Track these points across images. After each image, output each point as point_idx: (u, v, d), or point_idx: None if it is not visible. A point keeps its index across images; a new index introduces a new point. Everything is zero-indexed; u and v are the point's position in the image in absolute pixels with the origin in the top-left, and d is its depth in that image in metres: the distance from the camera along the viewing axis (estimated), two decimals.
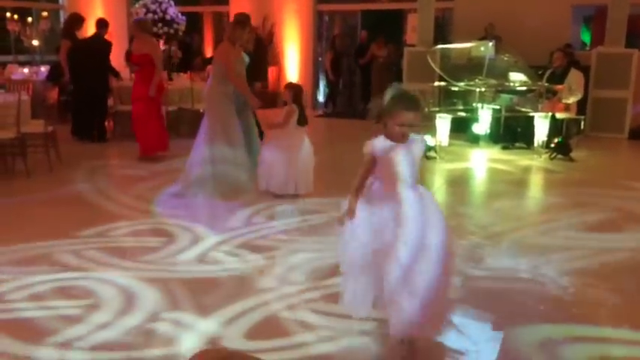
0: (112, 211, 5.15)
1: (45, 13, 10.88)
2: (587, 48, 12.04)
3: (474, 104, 8.05)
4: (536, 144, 7.59)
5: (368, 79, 11.98)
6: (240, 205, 5.24)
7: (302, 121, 5.53)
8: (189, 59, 14.23)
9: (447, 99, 8.16)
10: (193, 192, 5.49)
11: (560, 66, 7.97)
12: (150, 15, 8.96)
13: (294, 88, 5.62)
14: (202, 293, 3.48)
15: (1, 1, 11.97)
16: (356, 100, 12.38)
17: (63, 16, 13.52)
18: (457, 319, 3.11)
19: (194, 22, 15.35)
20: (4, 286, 3.54)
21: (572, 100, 7.89)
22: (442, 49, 8.88)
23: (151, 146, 7.18)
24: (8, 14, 10.53)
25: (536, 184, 6.66)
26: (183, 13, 10.60)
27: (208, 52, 15.27)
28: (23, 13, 11.24)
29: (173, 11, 9.03)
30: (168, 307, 3.29)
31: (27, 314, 3.21)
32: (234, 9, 13.23)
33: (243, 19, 5.79)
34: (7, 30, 10.48)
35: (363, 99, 11.95)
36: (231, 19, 12.78)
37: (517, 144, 8.12)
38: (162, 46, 11.86)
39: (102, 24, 8.45)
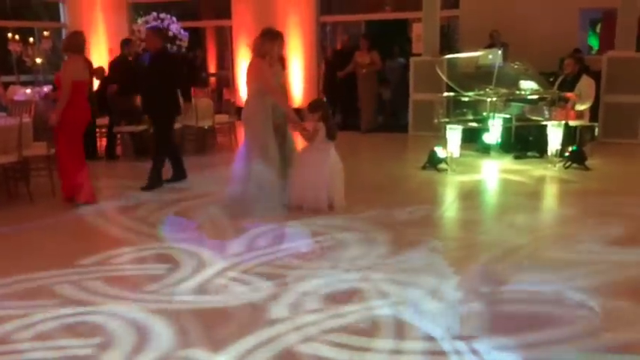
0: (115, 236, 4.99)
1: (46, 33, 10.80)
2: (594, 52, 11.87)
3: (485, 114, 7.87)
4: (549, 153, 7.41)
5: (352, 92, 10.91)
6: (255, 225, 5.08)
7: (331, 135, 5.53)
8: (193, 75, 14.20)
9: (456, 109, 7.99)
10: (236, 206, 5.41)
11: (571, 73, 7.80)
12: None
13: (320, 107, 5.60)
14: (214, 325, 3.30)
15: (2, 22, 11.92)
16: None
17: (65, 35, 13.47)
18: (480, 347, 2.94)
19: (196, 38, 15.30)
20: (7, 324, 3.36)
21: (583, 106, 7.71)
22: (449, 58, 8.73)
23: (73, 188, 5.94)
24: (10, 35, 10.46)
25: (552, 196, 6.47)
26: (185, 29, 10.55)
27: (212, 67, 15.21)
28: (25, 33, 11.18)
29: (176, 27, 8.94)
30: (181, 344, 3.11)
31: (35, 356, 3.04)
32: (236, 23, 13.17)
33: (273, 32, 5.63)
34: (9, 50, 10.40)
35: (345, 112, 11.35)
36: (234, 31, 12.72)
37: (529, 153, 7.94)
38: None
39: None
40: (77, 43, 5.86)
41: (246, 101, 5.64)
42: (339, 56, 11.45)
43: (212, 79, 14.92)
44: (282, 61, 6.02)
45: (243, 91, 13.19)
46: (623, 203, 5.67)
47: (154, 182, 6.55)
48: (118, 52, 11.89)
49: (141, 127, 8.27)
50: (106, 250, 4.59)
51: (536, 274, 3.97)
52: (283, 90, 5.99)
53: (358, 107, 10.97)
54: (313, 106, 5.69)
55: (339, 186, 5.58)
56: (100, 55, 13.83)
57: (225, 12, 13.39)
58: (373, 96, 11.03)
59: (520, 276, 3.94)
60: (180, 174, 6.93)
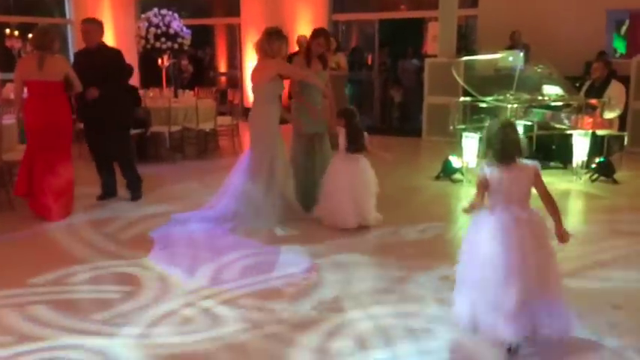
0: (77, 253, 4.49)
1: None
2: (618, 55, 11.24)
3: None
4: (574, 164, 6.83)
5: None
6: (243, 245, 4.59)
7: (357, 147, 5.03)
8: (201, 74, 13.76)
9: (473, 114, 7.42)
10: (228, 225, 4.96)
11: (599, 77, 7.22)
12: (152, 29, 8.38)
13: (343, 115, 5.12)
14: None
15: (5, 17, 11.57)
16: None
17: (71, 31, 13.10)
18: None
19: (205, 35, 14.87)
20: None
21: (612, 114, 7.12)
22: (467, 60, 8.17)
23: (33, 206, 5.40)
24: (8, 30, 10.07)
25: (579, 213, 5.89)
26: (193, 26, 10.08)
27: (222, 66, 14.77)
28: (25, 28, 10.79)
29: (177, 25, 8.46)
30: None
31: None
32: (245, 20, 12.72)
33: (277, 31, 5.14)
34: (7, 47, 10.02)
35: None
36: (242, 29, 12.28)
37: (552, 164, 7.37)
38: (169, 61, 11.39)
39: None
40: (35, 38, 5.34)
41: (254, 106, 5.19)
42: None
43: (222, 79, 14.51)
44: (323, 60, 5.51)
45: (250, 91, 12.77)
46: None
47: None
48: (126, 49, 11.52)
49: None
50: (64, 267, 4.14)
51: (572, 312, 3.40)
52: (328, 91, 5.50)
53: None
54: (338, 113, 5.21)
55: (368, 202, 5.04)
56: None
57: (235, 9, 12.96)
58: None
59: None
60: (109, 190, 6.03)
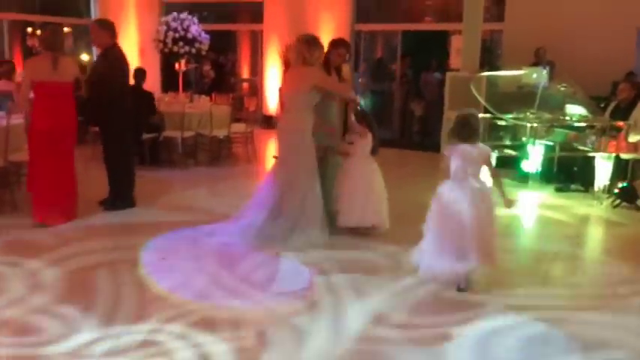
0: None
1: (67, 29, 10.45)
2: None
3: (524, 139, 7.08)
4: (596, 188, 6.56)
5: None
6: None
7: (374, 150, 5.11)
8: (222, 80, 13.73)
9: (492, 132, 7.20)
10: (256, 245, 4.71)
11: (626, 99, 6.94)
12: (171, 33, 8.33)
13: (369, 118, 5.19)
14: None
15: (29, 16, 11.68)
16: None
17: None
18: None
19: (229, 41, 14.85)
20: None
21: (638, 137, 6.83)
22: (489, 75, 7.96)
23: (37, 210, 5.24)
24: (29, 29, 10.14)
25: (598, 241, 5.61)
26: (216, 32, 10.04)
27: (244, 73, 14.73)
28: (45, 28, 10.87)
29: (196, 29, 8.41)
30: None
31: None
32: (267, 27, 12.65)
33: (316, 38, 4.91)
34: (28, 46, 10.08)
35: None
36: (264, 36, 12.19)
37: (573, 186, 7.10)
38: (186, 65, 11.36)
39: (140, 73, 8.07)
40: (47, 39, 5.24)
41: (287, 114, 4.92)
42: None
43: (244, 85, 14.46)
44: (339, 71, 5.38)
45: (271, 98, 12.69)
46: None
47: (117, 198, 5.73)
48: (149, 52, 11.55)
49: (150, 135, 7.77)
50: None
51: None
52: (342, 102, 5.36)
53: None
54: (360, 117, 5.21)
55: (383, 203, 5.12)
56: (131, 54, 13.48)
57: (258, 16, 12.91)
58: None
59: None
60: (117, 197, 5.73)
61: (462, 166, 3.87)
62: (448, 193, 3.91)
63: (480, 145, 3.94)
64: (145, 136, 7.65)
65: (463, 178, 3.87)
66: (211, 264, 4.34)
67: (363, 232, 5.02)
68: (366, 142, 5.08)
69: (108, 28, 5.55)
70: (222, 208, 5.86)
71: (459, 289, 3.93)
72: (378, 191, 5.06)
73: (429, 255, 3.95)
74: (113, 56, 5.54)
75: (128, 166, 5.77)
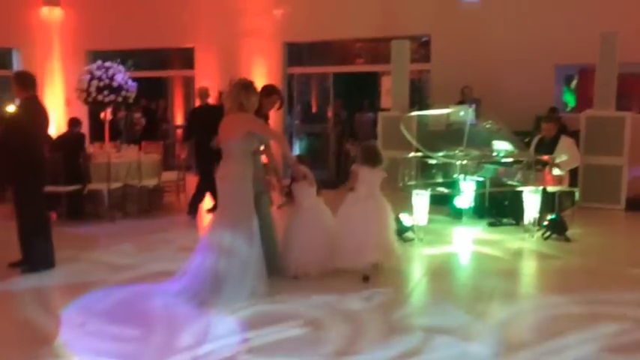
0: None
1: None
2: (569, 109, 11.42)
3: (455, 175, 7.17)
4: (526, 221, 6.68)
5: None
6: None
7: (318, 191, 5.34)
8: (154, 126, 13.43)
9: (424, 170, 7.26)
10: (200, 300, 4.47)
11: (550, 136, 7.18)
12: (95, 82, 8.07)
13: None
14: None
15: None
16: None
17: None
18: None
19: (161, 88, 14.63)
20: None
21: (571, 166, 7.08)
22: (418, 115, 8.08)
23: None
24: None
25: (531, 277, 5.63)
26: (148, 78, 9.83)
27: (178, 119, 14.47)
28: None
29: (122, 77, 8.17)
30: None
31: None
32: (199, 73, 12.54)
33: (252, 83, 4.77)
34: None
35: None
36: (197, 81, 12.07)
37: (505, 220, 7.22)
38: (119, 114, 11.05)
39: (75, 123, 8.08)
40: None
41: (223, 164, 4.74)
42: (205, 115, 7.69)
43: (179, 131, 14.19)
44: (267, 119, 5.29)
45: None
46: (612, 287, 4.92)
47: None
48: (75, 102, 11.17)
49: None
50: None
51: None
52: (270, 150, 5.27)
53: None
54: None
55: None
56: (56, 105, 13.08)
57: (189, 61, 12.80)
58: None
59: None
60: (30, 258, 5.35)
61: (364, 183, 5.33)
62: (354, 202, 5.34)
63: (378, 168, 5.37)
64: (67, 188, 7.30)
65: (364, 191, 5.34)
66: (139, 328, 4.05)
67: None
68: (314, 187, 5.19)
69: (21, 80, 5.37)
70: (151, 265, 5.60)
71: (364, 279, 5.01)
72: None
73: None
74: (26, 108, 5.33)
75: (43, 224, 5.42)
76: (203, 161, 7.65)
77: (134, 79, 8.57)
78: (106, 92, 8.09)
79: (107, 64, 8.26)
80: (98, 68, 8.17)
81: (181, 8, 12.23)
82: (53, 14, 13.09)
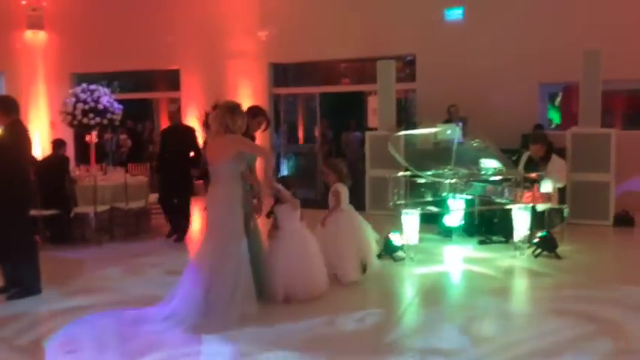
0: None
1: None
2: (554, 126, 11.53)
3: (444, 194, 7.17)
4: (516, 238, 6.67)
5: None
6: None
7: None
8: (140, 148, 13.33)
9: (414, 189, 7.25)
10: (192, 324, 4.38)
11: (539, 155, 7.19)
12: (80, 105, 8.00)
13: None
14: None
15: None
16: None
17: None
18: None
19: (147, 110, 14.57)
20: None
21: (558, 185, 7.08)
22: (406, 134, 8.09)
23: None
24: None
25: (523, 295, 5.61)
26: (133, 101, 9.77)
27: None
28: None
29: (107, 100, 8.12)
30: None
31: None
32: (185, 94, 12.52)
33: (238, 105, 4.73)
34: None
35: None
36: (182, 103, 12.04)
37: (495, 238, 7.20)
38: (105, 136, 10.94)
39: (60, 144, 7.98)
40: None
41: (212, 187, 4.68)
42: (175, 135, 7.90)
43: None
44: (253, 139, 5.25)
45: None
46: (604, 304, 4.90)
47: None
48: (59, 125, 11.08)
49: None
50: None
51: None
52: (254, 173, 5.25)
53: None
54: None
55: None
56: (40, 127, 12.96)
57: (175, 83, 12.78)
58: None
59: None
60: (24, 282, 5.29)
61: (345, 200, 5.72)
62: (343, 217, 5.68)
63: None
64: (50, 212, 7.19)
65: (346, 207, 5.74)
66: (132, 356, 3.94)
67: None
68: (297, 210, 5.12)
69: (3, 105, 5.35)
70: (139, 289, 5.51)
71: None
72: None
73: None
74: (11, 132, 5.28)
75: (29, 249, 5.31)
76: (174, 183, 7.58)
77: (119, 101, 8.53)
78: (91, 115, 8.03)
79: (92, 86, 8.20)
80: (83, 91, 8.11)
81: (167, 30, 12.24)
82: (37, 38, 13.03)
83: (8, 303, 5.10)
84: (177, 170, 7.59)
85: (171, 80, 12.97)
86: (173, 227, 7.76)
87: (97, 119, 8.05)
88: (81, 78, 11.95)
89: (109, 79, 12.84)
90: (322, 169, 6.33)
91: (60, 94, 12.15)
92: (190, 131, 7.88)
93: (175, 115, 8.45)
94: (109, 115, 8.13)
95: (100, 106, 8.01)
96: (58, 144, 8.04)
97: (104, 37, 12.41)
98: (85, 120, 8.02)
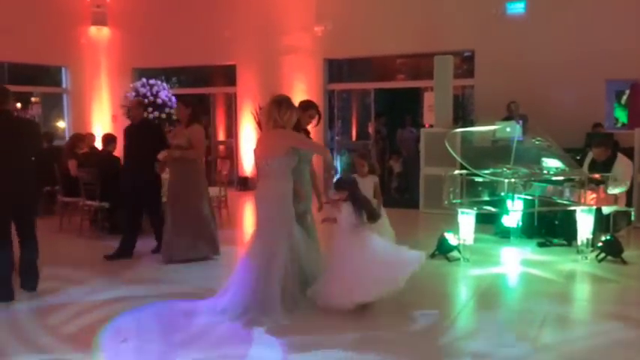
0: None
1: (34, 98, 10.27)
2: (619, 125, 10.99)
3: (502, 193, 6.93)
4: (579, 242, 6.38)
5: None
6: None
7: (370, 216, 4.70)
8: None
9: (470, 188, 7.05)
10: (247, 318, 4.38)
11: (604, 158, 6.84)
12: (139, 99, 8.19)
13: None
14: None
15: None
16: None
17: (66, 100, 13.03)
18: None
19: (203, 104, 14.79)
20: None
21: (618, 190, 6.72)
22: (462, 131, 7.88)
23: None
24: None
25: (587, 301, 5.34)
26: (191, 95, 9.90)
27: (220, 134, 14.60)
28: (22, 99, 10.64)
29: (166, 94, 8.29)
30: None
31: None
32: (241, 90, 12.65)
33: (287, 99, 4.67)
34: None
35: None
36: (238, 98, 12.15)
37: (556, 240, 6.93)
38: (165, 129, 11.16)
39: (110, 140, 8.03)
40: None
41: (263, 182, 4.65)
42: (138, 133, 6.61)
43: (221, 147, 14.33)
44: (307, 134, 5.22)
45: (246, 159, 12.53)
46: None
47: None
48: (120, 119, 11.41)
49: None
50: None
51: None
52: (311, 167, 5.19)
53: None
54: (338, 185, 4.78)
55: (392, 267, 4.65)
56: (102, 121, 13.39)
57: (232, 78, 12.93)
58: (193, 207, 6.32)
59: None
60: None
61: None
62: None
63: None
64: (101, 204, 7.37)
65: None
66: (186, 347, 3.98)
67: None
68: (347, 212, 4.67)
69: None
70: (194, 280, 5.58)
71: None
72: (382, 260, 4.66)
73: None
74: None
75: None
76: (139, 189, 6.49)
77: (177, 96, 8.68)
78: (150, 109, 8.20)
79: (151, 81, 8.39)
80: (143, 86, 8.32)
81: (224, 26, 12.38)
82: (101, 33, 13.45)
83: (61, 292, 5.21)
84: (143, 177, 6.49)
85: (228, 75, 13.13)
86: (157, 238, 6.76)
87: (156, 113, 8.22)
88: (142, 73, 12.26)
89: (168, 74, 13.11)
90: (355, 161, 6.03)
91: (121, 88, 12.53)
92: (156, 128, 7.14)
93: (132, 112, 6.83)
94: (167, 110, 8.29)
95: (159, 101, 8.18)
96: (108, 140, 8.18)
97: (164, 33, 12.68)
98: (145, 114, 8.18)
